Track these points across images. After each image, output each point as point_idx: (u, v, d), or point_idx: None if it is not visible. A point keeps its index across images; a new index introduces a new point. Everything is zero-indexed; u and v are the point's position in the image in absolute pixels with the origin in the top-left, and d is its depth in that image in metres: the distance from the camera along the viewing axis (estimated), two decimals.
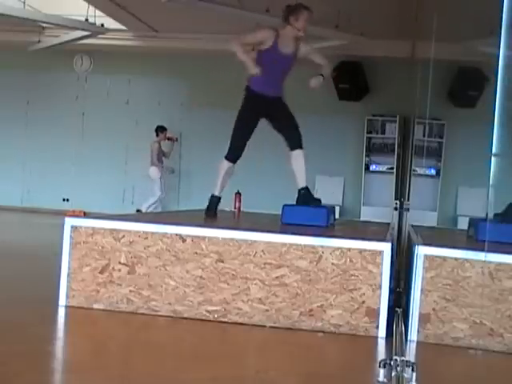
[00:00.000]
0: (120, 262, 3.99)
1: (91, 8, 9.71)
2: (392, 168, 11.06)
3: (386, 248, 3.73)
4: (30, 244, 7.72)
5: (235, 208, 6.50)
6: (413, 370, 2.68)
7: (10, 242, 7.68)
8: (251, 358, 3.41)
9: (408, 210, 6.55)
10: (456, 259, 3.62)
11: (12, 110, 12.75)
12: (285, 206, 4.96)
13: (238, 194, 6.53)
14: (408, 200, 6.77)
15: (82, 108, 12.62)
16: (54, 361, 3.15)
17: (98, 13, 9.91)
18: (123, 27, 11.00)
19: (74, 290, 4.04)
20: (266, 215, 6.13)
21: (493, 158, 3.11)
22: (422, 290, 3.64)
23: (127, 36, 11.46)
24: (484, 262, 3.54)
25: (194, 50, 11.33)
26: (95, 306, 4.01)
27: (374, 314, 3.69)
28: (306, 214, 4.91)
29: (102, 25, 10.03)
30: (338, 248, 3.75)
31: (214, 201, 5.30)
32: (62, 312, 3.99)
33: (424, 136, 9.84)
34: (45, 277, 4.85)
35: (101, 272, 4.01)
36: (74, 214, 9.13)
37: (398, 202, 7.94)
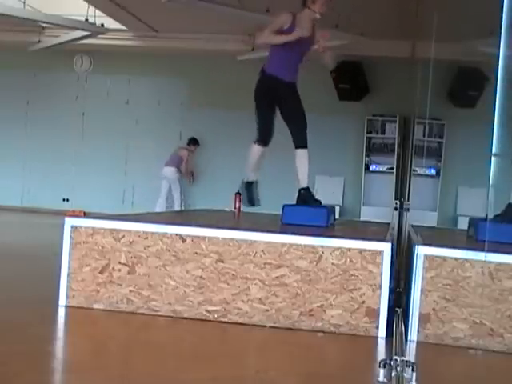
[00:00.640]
0: (120, 262, 3.99)
1: (91, 8, 9.71)
2: (392, 168, 11.07)
3: (385, 248, 3.73)
4: (30, 244, 7.72)
5: (235, 208, 6.49)
6: (413, 370, 2.68)
7: (10, 242, 7.68)
8: (251, 358, 3.41)
9: (408, 209, 6.54)
10: (456, 259, 3.62)
11: (12, 110, 12.75)
12: (285, 205, 4.96)
13: (238, 194, 6.51)
14: (408, 200, 6.77)
15: (82, 108, 12.62)
16: (54, 361, 3.15)
17: (98, 13, 9.91)
18: (123, 27, 11.00)
19: (74, 290, 4.04)
20: (266, 215, 6.13)
21: (493, 158, 3.11)
22: (422, 290, 3.64)
23: (127, 36, 11.46)
24: (484, 261, 3.54)
25: (193, 50, 11.33)
26: (95, 306, 4.01)
27: (373, 314, 3.69)
28: (306, 214, 4.91)
29: (102, 25, 10.03)
30: (338, 248, 3.75)
31: (249, 187, 5.30)
32: (62, 312, 3.99)
33: (424, 136, 9.84)
34: (45, 277, 4.85)
35: (101, 272, 4.01)
36: (74, 214, 9.13)
37: (397, 201, 7.94)
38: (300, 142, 5.16)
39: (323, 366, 3.30)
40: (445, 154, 11.08)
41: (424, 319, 3.63)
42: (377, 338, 3.66)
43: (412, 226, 5.72)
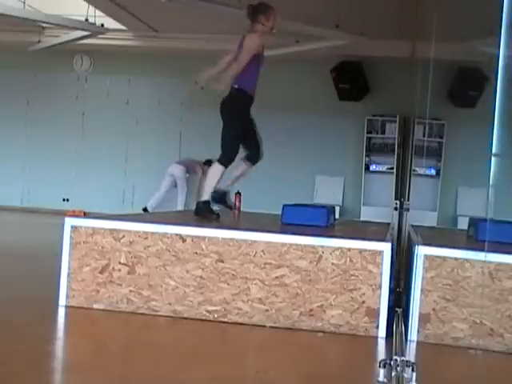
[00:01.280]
0: (120, 262, 3.99)
1: (91, 8, 9.71)
2: (392, 168, 11.06)
3: (386, 248, 3.73)
4: (30, 244, 7.72)
5: (235, 208, 6.49)
6: (413, 370, 2.68)
7: (10, 242, 7.68)
8: (251, 358, 3.41)
9: (408, 209, 6.54)
10: (456, 259, 3.62)
11: (12, 110, 12.74)
12: (285, 205, 4.96)
13: (238, 193, 6.52)
14: (408, 200, 6.76)
15: (82, 108, 12.61)
16: (54, 361, 3.15)
17: (98, 13, 9.90)
18: (123, 27, 11.00)
19: (74, 290, 4.04)
20: (266, 215, 6.13)
21: (493, 158, 3.10)
22: (422, 290, 3.64)
23: (127, 36, 11.46)
24: (484, 261, 3.54)
25: (193, 50, 11.31)
26: (95, 306, 4.01)
27: (374, 314, 3.69)
28: (306, 214, 4.91)
29: (102, 25, 10.02)
30: (338, 248, 3.76)
31: (222, 198, 5.30)
32: (62, 312, 3.99)
33: (424, 136, 9.83)
34: (45, 277, 4.85)
35: (101, 272, 4.01)
36: (74, 214, 9.12)
37: (397, 201, 7.94)
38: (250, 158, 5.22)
39: (323, 365, 3.30)
40: (445, 154, 11.07)
41: (424, 319, 3.63)
42: (377, 338, 3.67)
43: (412, 225, 5.72)
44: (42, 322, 3.74)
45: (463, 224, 6.71)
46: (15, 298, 4.35)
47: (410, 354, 3.39)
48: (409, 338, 3.59)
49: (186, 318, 3.88)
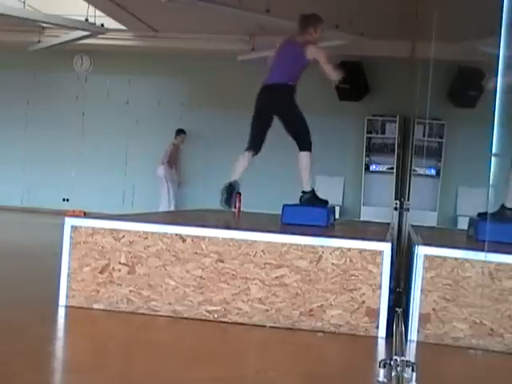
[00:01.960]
0: (120, 262, 3.99)
1: (91, 8, 9.71)
2: (392, 168, 11.07)
3: (386, 248, 3.73)
4: (30, 244, 7.72)
5: (235, 208, 6.49)
6: (413, 370, 2.68)
7: (10, 242, 7.68)
8: (251, 358, 3.41)
9: (408, 209, 6.54)
10: (456, 259, 3.62)
11: (12, 110, 12.75)
12: (285, 205, 4.96)
13: (238, 194, 6.51)
14: (408, 200, 6.77)
15: (82, 108, 12.62)
16: (54, 361, 3.15)
17: (98, 13, 9.90)
18: (123, 27, 11.01)
19: (74, 290, 4.04)
20: (266, 215, 6.13)
21: (493, 158, 3.10)
22: (422, 290, 3.64)
23: (127, 36, 11.47)
24: (484, 261, 3.54)
25: (193, 50, 11.33)
26: (95, 306, 4.01)
27: (373, 314, 3.69)
28: (306, 214, 4.92)
29: (102, 25, 10.02)
30: (338, 248, 3.75)
31: (230, 189, 5.33)
32: (62, 312, 3.98)
33: (424, 136, 9.84)
34: (45, 277, 4.85)
35: (101, 272, 4.01)
36: (74, 214, 9.13)
37: (397, 202, 7.94)
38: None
39: (323, 365, 3.29)
40: (445, 154, 11.08)
41: (424, 319, 3.63)
42: (377, 338, 3.66)
43: (412, 226, 5.72)
44: (42, 322, 3.74)
45: (463, 224, 6.70)
46: (15, 297, 4.35)
47: (410, 354, 3.39)
48: (409, 338, 3.59)
49: (186, 318, 3.88)
